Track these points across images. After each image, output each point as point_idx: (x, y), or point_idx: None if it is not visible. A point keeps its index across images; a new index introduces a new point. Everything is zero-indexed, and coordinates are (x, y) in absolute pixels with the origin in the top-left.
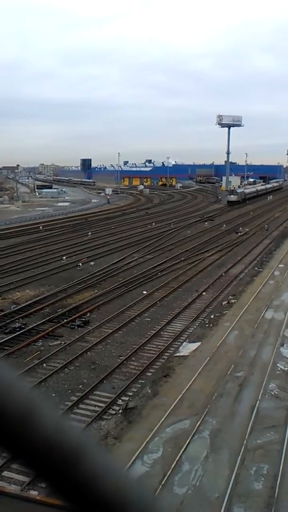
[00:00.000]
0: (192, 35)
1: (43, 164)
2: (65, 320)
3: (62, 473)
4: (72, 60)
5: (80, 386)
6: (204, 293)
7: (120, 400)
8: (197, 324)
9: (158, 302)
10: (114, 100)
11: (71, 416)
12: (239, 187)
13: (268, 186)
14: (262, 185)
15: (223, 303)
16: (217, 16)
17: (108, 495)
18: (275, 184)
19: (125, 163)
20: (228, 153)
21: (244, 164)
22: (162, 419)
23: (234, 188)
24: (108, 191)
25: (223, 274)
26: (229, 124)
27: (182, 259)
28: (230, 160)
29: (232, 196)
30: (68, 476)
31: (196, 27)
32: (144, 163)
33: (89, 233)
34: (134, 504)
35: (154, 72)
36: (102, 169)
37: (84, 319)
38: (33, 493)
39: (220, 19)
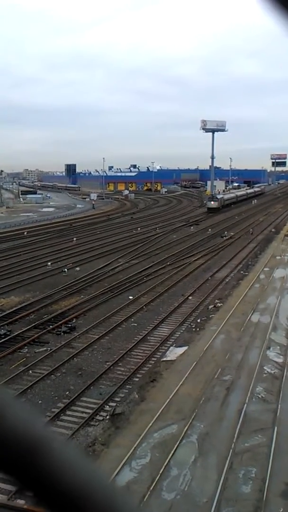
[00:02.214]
0: (177, 41)
1: (27, 169)
2: (51, 327)
3: (23, 466)
4: (57, 65)
5: (67, 392)
6: (190, 298)
7: (108, 406)
8: (183, 329)
9: (144, 307)
10: (99, 106)
11: (58, 423)
12: (223, 191)
13: (249, 191)
14: (246, 189)
15: (210, 307)
16: (203, 22)
17: (70, 488)
18: (257, 189)
19: (110, 168)
20: (212, 158)
21: (229, 168)
22: (150, 424)
23: (219, 192)
24: (93, 196)
25: (209, 278)
26: (213, 129)
27: (168, 263)
28: (214, 165)
29: (212, 202)
30: (29, 469)
31: (182, 33)
32: (129, 168)
33: (74, 239)
34: (97, 497)
35: (139, 77)
36: (87, 174)
37: (70, 325)
38: (20, 502)
39: (206, 24)
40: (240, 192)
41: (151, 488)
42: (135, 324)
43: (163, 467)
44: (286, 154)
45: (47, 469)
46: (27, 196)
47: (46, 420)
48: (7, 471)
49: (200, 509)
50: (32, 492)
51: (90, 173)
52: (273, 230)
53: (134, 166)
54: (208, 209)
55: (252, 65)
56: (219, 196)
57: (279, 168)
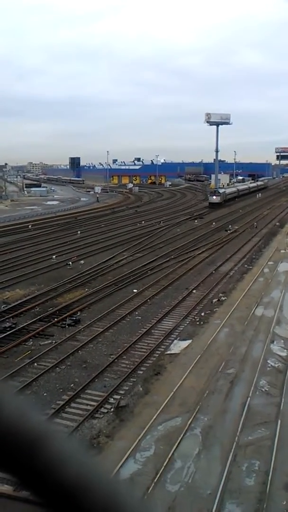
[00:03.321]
0: (182, 31)
1: (31, 162)
2: (55, 319)
3: (22, 461)
4: (61, 57)
5: (72, 385)
6: (194, 291)
7: (112, 399)
8: (187, 322)
9: (148, 300)
10: (103, 98)
11: (63, 416)
12: (227, 185)
13: (251, 185)
14: (250, 183)
15: (214, 300)
16: (207, 12)
17: (70, 482)
18: (260, 183)
19: (114, 161)
20: (216, 151)
21: (233, 162)
22: (154, 417)
23: (223, 185)
24: (98, 189)
25: (213, 271)
26: (217, 122)
27: (172, 257)
28: (219, 158)
29: (214, 197)
30: (29, 464)
31: (186, 23)
32: (133, 161)
33: (79, 232)
34: (97, 490)
35: (143, 69)
36: (91, 167)
37: (74, 318)
38: (26, 493)
39: (210, 15)
40: (242, 186)
41: (155, 480)
42: (139, 317)
43: (167, 459)
44: None
45: (47, 463)
46: (32, 189)
47: (45, 414)
48: (6, 466)
49: (204, 500)
50: (31, 486)
51: (94, 166)
52: (277, 223)
53: (138, 159)
54: (210, 204)
55: (257, 56)
56: (221, 191)
57: (283, 161)
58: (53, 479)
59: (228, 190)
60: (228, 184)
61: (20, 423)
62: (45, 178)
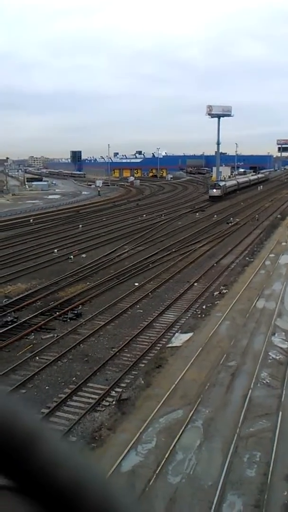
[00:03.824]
0: (183, 23)
1: (32, 156)
2: (57, 313)
3: (16, 462)
4: (61, 50)
5: (73, 378)
6: (195, 284)
7: (114, 392)
8: (189, 315)
9: (150, 293)
10: (103, 91)
11: (65, 409)
12: (229, 177)
13: (252, 177)
14: (251, 175)
15: (215, 293)
16: (209, 3)
17: (65, 484)
18: (261, 175)
19: (115, 154)
20: (218, 143)
21: (235, 154)
22: (156, 410)
23: (225, 178)
24: (99, 183)
25: (215, 264)
26: (219, 114)
27: (174, 250)
28: (220, 151)
29: (214, 190)
30: (23, 465)
31: (187, 15)
32: (135, 155)
33: (80, 226)
34: (93, 492)
35: (144, 62)
36: (92, 161)
37: (76, 312)
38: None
39: (212, 6)
40: (242, 179)
41: (156, 472)
42: (141, 311)
43: (169, 451)
44: None
45: (41, 465)
46: (33, 183)
47: (39, 414)
48: (1, 466)
49: (205, 492)
50: (24, 487)
51: (96, 159)
52: (278, 216)
53: (140, 153)
54: (210, 197)
55: (259, 48)
56: (221, 184)
57: (285, 154)
58: (48, 481)
59: (228, 183)
60: (229, 177)
61: (13, 424)
62: (46, 172)
